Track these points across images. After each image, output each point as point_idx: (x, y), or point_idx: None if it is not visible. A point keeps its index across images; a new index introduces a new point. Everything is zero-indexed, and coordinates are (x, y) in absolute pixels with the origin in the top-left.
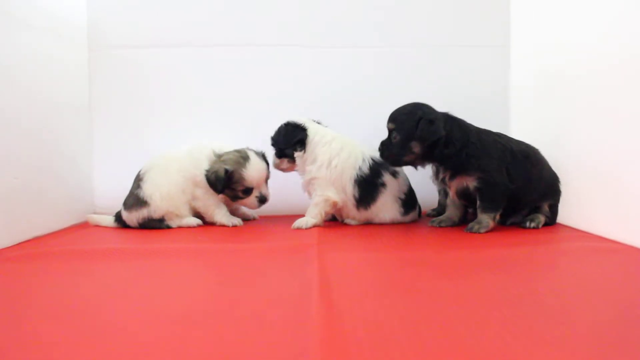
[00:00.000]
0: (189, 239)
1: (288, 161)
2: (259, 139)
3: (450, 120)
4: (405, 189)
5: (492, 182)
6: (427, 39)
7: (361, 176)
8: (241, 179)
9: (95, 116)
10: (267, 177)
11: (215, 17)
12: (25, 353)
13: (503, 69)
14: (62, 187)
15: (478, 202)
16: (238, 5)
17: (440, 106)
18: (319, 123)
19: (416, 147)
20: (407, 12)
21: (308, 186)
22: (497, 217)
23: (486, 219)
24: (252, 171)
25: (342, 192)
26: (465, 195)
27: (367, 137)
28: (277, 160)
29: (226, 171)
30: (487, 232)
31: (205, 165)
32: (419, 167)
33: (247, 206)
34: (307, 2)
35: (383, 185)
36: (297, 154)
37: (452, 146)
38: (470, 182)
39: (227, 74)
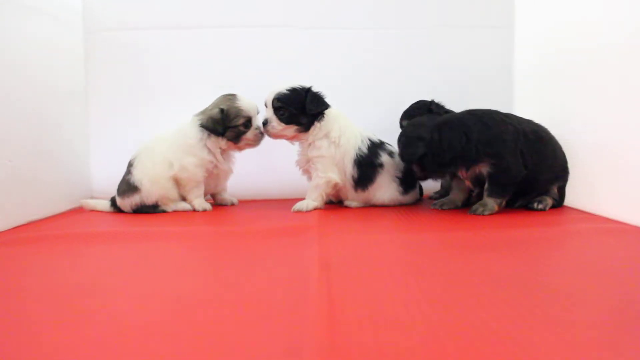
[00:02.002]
0: (186, 222)
1: (297, 129)
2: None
3: (438, 129)
4: (402, 167)
5: (506, 167)
6: (430, 20)
7: (360, 156)
8: (239, 111)
9: (91, 99)
10: (257, 111)
11: None
12: (20, 336)
13: (507, 50)
14: (58, 171)
15: (486, 185)
16: None
17: (443, 87)
18: None
19: (415, 167)
20: None
21: (307, 164)
22: (503, 203)
23: (491, 203)
24: (246, 101)
25: (342, 173)
26: (478, 181)
27: (369, 119)
28: (281, 126)
29: (221, 110)
30: (490, 214)
31: (196, 131)
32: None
33: (251, 143)
34: None
35: (381, 165)
36: (317, 124)
37: (450, 151)
38: (484, 168)
39: (225, 56)
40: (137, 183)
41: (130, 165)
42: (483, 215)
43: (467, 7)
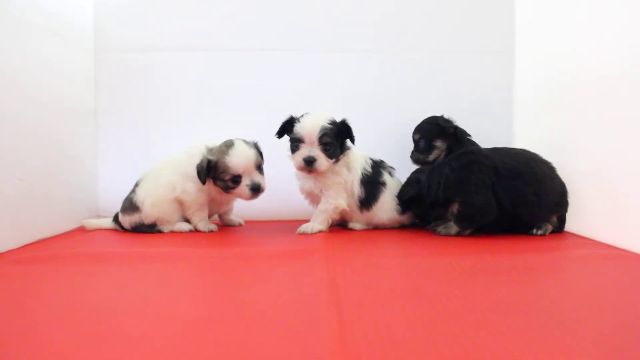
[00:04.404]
0: (194, 243)
1: (333, 162)
2: (264, 144)
3: (430, 172)
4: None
5: (471, 203)
6: (431, 45)
7: (366, 175)
8: (225, 167)
9: (100, 119)
10: (257, 164)
11: (221, 22)
12: (29, 355)
13: (507, 76)
14: (67, 190)
15: (455, 215)
16: (243, 11)
17: (443, 112)
18: None
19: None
20: (410, 17)
21: (317, 189)
22: (466, 233)
23: (454, 229)
24: (235, 157)
25: (350, 196)
26: None
27: (368, 142)
28: (329, 162)
29: (209, 161)
30: (445, 235)
31: (197, 161)
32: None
33: (242, 197)
34: (311, 7)
35: (383, 184)
36: (346, 153)
37: (428, 197)
38: (455, 207)
39: (232, 79)
40: (138, 203)
41: (136, 185)
42: (440, 235)
43: (467, 32)
